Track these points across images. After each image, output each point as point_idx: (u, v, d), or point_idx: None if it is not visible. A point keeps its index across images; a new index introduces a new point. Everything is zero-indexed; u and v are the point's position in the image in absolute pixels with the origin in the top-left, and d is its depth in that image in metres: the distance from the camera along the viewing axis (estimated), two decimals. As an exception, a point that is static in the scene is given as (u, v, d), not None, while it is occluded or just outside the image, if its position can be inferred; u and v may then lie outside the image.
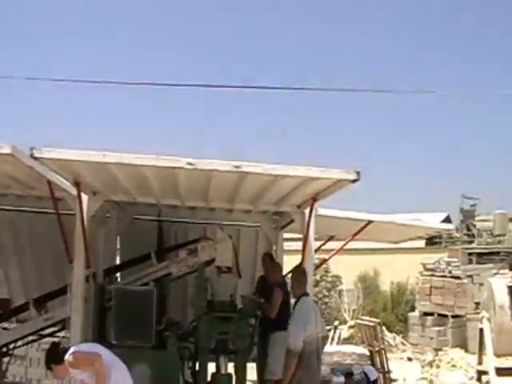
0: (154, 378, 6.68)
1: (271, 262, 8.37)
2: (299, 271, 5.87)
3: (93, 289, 7.17)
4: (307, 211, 7.10)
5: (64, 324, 7.73)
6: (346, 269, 18.84)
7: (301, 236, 11.05)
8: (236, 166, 4.93)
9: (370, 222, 7.79)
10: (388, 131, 47.12)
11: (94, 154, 4.84)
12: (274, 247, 9.36)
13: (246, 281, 8.85)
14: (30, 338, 8.17)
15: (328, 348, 10.34)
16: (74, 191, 6.57)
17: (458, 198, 27.37)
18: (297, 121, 48.30)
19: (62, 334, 8.91)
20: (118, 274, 8.47)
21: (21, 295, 8.85)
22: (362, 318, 12.10)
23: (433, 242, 23.48)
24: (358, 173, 5.18)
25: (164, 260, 7.78)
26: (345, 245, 7.93)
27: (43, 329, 7.79)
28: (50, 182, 6.06)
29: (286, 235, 9.82)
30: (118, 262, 8.86)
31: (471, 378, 11.40)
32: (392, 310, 18.41)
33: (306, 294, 5.59)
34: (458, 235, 25.15)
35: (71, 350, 4.88)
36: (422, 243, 20.72)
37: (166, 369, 6.86)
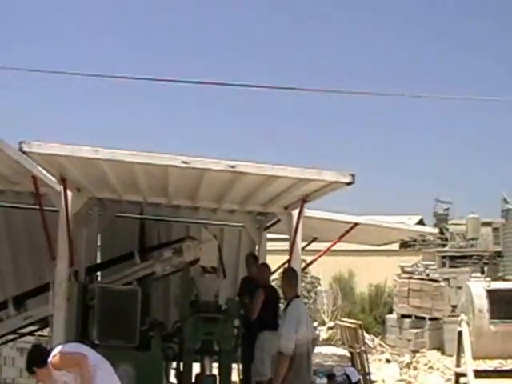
0: (137, 379, 6.68)
1: (255, 262, 8.44)
2: (289, 273, 5.92)
3: (75, 287, 7.12)
4: (294, 213, 7.20)
5: (43, 323, 7.71)
6: (321, 270, 19.02)
7: (284, 236, 11.22)
8: (231, 166, 4.96)
9: (356, 224, 7.90)
10: (358, 133, 47.50)
11: (86, 149, 4.83)
12: (257, 247, 9.45)
13: (229, 281, 8.87)
14: (8, 337, 8.13)
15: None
16: (58, 187, 6.55)
17: (431, 202, 27.92)
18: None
19: (39, 332, 8.93)
20: (98, 273, 8.46)
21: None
22: (343, 319, 12.23)
23: (407, 244, 23.83)
24: (353, 176, 5.25)
25: (147, 259, 7.77)
26: (331, 246, 8.03)
27: (21, 328, 7.74)
28: (35, 178, 6.01)
29: (268, 235, 9.91)
30: (98, 260, 8.82)
31: (448, 380, 11.62)
32: (370, 312, 18.62)
33: (297, 296, 5.64)
34: (431, 238, 25.55)
35: (55, 350, 4.81)
36: (396, 246, 21.02)
37: (150, 369, 6.87)
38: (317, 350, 13.01)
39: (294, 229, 6.94)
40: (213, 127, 48.76)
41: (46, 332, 8.95)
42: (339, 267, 20.85)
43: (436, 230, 13.97)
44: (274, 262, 10.35)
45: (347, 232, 7.94)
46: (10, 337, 8.17)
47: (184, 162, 4.86)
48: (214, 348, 7.36)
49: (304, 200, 6.49)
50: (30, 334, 8.57)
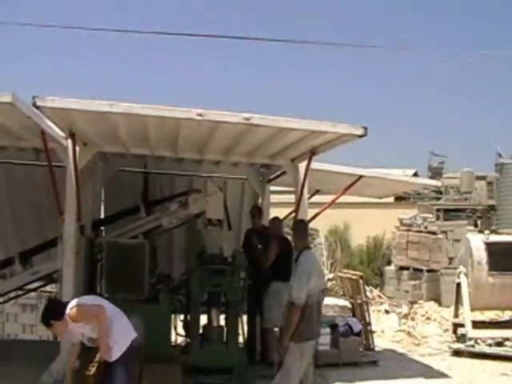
0: (146, 331, 6.89)
1: (260, 214, 8.65)
2: (300, 225, 6.07)
3: (83, 242, 7.29)
4: (301, 165, 7.37)
5: (47, 279, 7.90)
6: (315, 223, 19.22)
7: (287, 189, 11.41)
8: (246, 118, 5.06)
9: (361, 176, 8.05)
10: (353, 85, 47.27)
11: (102, 103, 4.91)
12: (260, 200, 9.65)
13: (233, 234, 9.12)
14: (11, 294, 8.33)
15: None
16: (64, 142, 6.65)
17: (425, 156, 28.08)
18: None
19: (42, 288, 9.15)
20: (102, 228, 8.63)
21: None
22: (344, 271, 12.51)
23: (402, 197, 24.13)
24: (365, 128, 5.37)
25: (151, 212, 7.97)
26: (337, 198, 8.21)
27: (28, 283, 7.93)
28: (43, 133, 6.10)
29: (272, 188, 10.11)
30: (102, 214, 8.98)
31: (446, 331, 11.93)
32: (368, 264, 18.92)
33: (308, 248, 5.81)
34: (426, 192, 25.83)
35: (72, 303, 4.90)
36: (391, 199, 21.30)
37: (158, 322, 7.09)
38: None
39: (302, 181, 7.09)
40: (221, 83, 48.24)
41: (48, 288, 9.22)
42: (334, 220, 21.09)
43: (440, 183, 14.16)
44: (277, 214, 10.58)
45: (352, 184, 8.11)
46: (13, 294, 8.38)
47: (199, 115, 4.95)
48: (221, 300, 7.62)
49: (312, 152, 6.63)
50: (34, 290, 8.79)
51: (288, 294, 5.59)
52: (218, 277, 7.30)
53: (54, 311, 4.90)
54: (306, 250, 5.68)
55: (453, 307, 11.76)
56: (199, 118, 4.97)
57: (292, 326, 5.41)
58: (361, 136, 5.42)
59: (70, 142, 6.50)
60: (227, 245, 8.22)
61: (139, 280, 7.12)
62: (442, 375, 8.49)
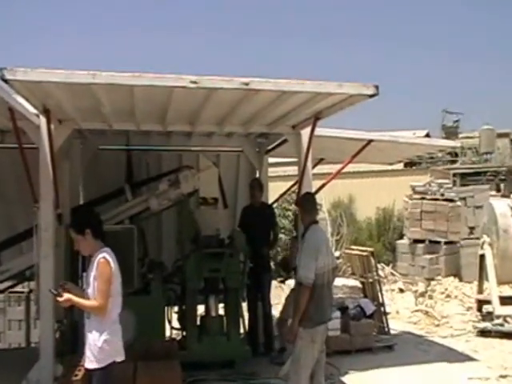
0: (137, 326, 6.93)
1: (260, 189, 8.66)
2: (306, 198, 6.06)
3: (62, 232, 7.13)
4: (304, 132, 7.35)
5: (19, 277, 7.83)
6: (318, 196, 19.23)
7: (287, 160, 11.38)
8: (244, 83, 5.02)
9: (370, 141, 8.04)
10: (357, 41, 47.13)
11: (82, 74, 4.81)
12: (258, 173, 9.64)
13: (229, 212, 9.14)
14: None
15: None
16: (36, 120, 6.55)
17: (438, 114, 27.97)
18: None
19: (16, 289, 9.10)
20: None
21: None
22: (352, 247, 12.53)
23: (412, 163, 24.11)
24: (376, 87, 5.33)
25: (138, 194, 7.95)
26: (344, 167, 8.20)
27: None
28: (11, 110, 6.01)
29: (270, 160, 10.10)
30: (81, 200, 8.94)
31: (469, 309, 11.96)
32: (378, 239, 19.00)
33: (315, 222, 5.81)
34: (439, 155, 25.67)
35: (107, 254, 4.78)
36: (400, 165, 21.39)
37: (151, 315, 7.15)
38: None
39: (306, 149, 7.10)
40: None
41: (19, 288, 9.20)
42: (338, 192, 21.17)
43: (458, 144, 14.09)
44: (279, 189, 10.62)
45: (360, 150, 8.09)
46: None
47: (193, 82, 4.89)
48: (220, 286, 7.67)
49: (317, 117, 6.61)
50: (2, 291, 8.74)
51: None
52: (215, 261, 7.35)
53: (97, 223, 4.84)
54: (313, 224, 5.69)
55: (476, 282, 11.77)
56: (193, 85, 4.89)
57: (301, 310, 5.44)
58: (372, 96, 5.39)
59: (43, 119, 6.39)
60: (224, 225, 8.26)
61: (127, 270, 6.94)
62: (468, 358, 8.53)
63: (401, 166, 22.09)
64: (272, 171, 11.53)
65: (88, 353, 4.62)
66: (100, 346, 4.58)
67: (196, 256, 7.30)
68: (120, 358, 4.74)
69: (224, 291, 7.64)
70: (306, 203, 5.91)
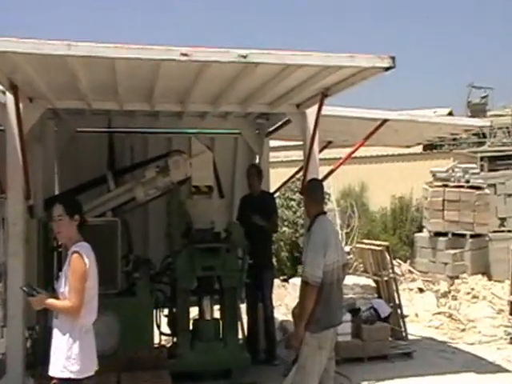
0: (122, 331, 6.99)
1: (259, 176, 8.72)
2: (313, 185, 6.06)
3: (34, 226, 7.23)
4: (309, 111, 7.39)
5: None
6: (326, 184, 19.23)
7: (290, 144, 11.44)
8: (242, 56, 5.04)
9: (385, 121, 8.08)
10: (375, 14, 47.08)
11: (56, 45, 4.81)
12: (258, 159, 9.69)
13: (225, 203, 9.26)
14: None
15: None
16: (2, 98, 6.54)
17: (463, 90, 27.84)
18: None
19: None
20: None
21: None
22: (364, 241, 12.58)
23: (432, 146, 24.06)
24: (392, 59, 5.35)
25: (122, 183, 8.01)
26: (355, 150, 8.25)
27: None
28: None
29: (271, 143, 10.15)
30: (56, 189, 8.98)
31: (500, 312, 11.90)
32: (394, 232, 19.09)
33: (323, 213, 5.82)
34: (464, 136, 25.67)
35: (83, 248, 4.81)
36: (419, 148, 21.42)
37: (137, 319, 7.19)
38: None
39: (312, 131, 7.14)
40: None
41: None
42: (348, 179, 21.22)
43: (488, 123, 14.00)
44: (280, 175, 10.67)
45: (374, 132, 8.15)
46: None
47: (183, 55, 4.91)
48: (215, 286, 7.73)
49: (325, 94, 6.65)
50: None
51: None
52: (209, 257, 7.40)
53: (81, 212, 4.88)
54: (320, 215, 5.72)
55: (507, 281, 11.71)
56: (184, 58, 4.91)
57: (307, 312, 5.45)
58: (388, 69, 5.41)
59: (10, 97, 6.38)
60: (219, 217, 8.30)
61: (110, 268, 7.13)
62: (500, 369, 8.46)
63: (420, 149, 22.12)
64: (273, 156, 11.60)
65: (58, 361, 4.62)
66: (72, 356, 4.58)
67: (188, 252, 7.35)
68: (92, 371, 4.74)
69: (220, 291, 7.70)
70: (313, 191, 5.93)
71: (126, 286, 7.45)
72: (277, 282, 11.34)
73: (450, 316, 12.01)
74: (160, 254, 8.28)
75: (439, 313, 12.34)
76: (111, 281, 7.11)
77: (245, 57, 5.09)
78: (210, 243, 7.46)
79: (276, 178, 10.37)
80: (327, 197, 19.35)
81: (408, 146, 11.77)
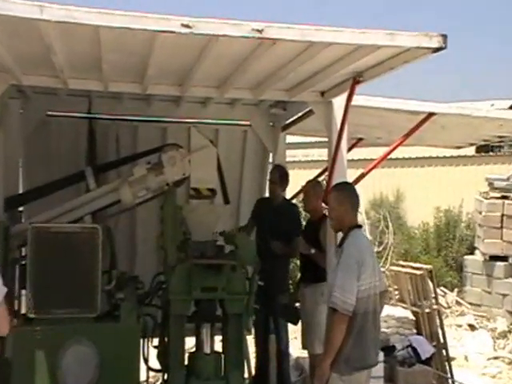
0: (100, 365, 7.05)
1: (285, 179, 9.01)
2: (343, 191, 6.14)
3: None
4: (337, 101, 7.52)
5: None
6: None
7: (311, 140, 11.51)
8: (257, 30, 5.07)
9: (430, 114, 8.15)
10: None
11: (25, 6, 4.82)
12: (272, 157, 9.88)
13: (231, 209, 9.33)
14: None
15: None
16: None
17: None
18: None
19: None
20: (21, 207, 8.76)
21: None
22: (400, 263, 12.68)
23: (488, 147, 23.95)
24: (444, 37, 5.38)
25: (104, 182, 8.11)
26: (392, 151, 8.26)
27: None
28: None
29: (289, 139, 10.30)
30: (21, 186, 9.09)
31: None
32: (438, 253, 19.09)
33: (358, 226, 5.93)
34: (526, 134, 25.45)
35: None
36: (471, 149, 21.38)
37: (120, 350, 7.19)
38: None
39: (340, 125, 7.23)
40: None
41: None
42: (379, 186, 21.21)
43: None
44: (299, 178, 10.77)
45: (416, 128, 8.17)
46: None
47: (185, 26, 4.93)
48: (217, 312, 7.74)
49: (357, 80, 6.72)
50: None
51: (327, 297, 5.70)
52: (210, 276, 7.39)
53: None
54: (354, 229, 5.81)
55: None
56: (185, 30, 4.93)
57: (334, 347, 5.51)
58: (437, 50, 5.43)
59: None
60: (223, 227, 8.27)
61: (88, 287, 7.15)
62: None
63: (472, 150, 22.06)
64: (290, 155, 11.71)
65: None
66: None
67: (184, 269, 7.35)
68: None
69: (223, 319, 7.71)
70: (344, 200, 6.02)
71: (106, 308, 7.46)
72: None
73: (511, 363, 11.99)
74: (150, 270, 8.42)
75: (496, 357, 12.31)
76: (88, 302, 7.13)
77: (260, 31, 5.11)
78: (212, 259, 7.52)
79: (292, 182, 10.47)
80: (356, 207, 19.44)
81: (458, 147, 11.80)
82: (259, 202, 9.19)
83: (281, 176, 9.00)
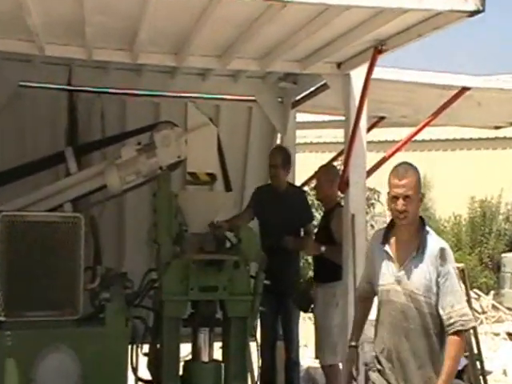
0: (84, 374, 7.04)
1: (287, 162, 8.99)
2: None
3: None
4: (355, 74, 7.56)
5: None
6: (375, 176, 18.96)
7: (325, 119, 11.53)
8: None
9: (464, 89, 8.17)
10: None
11: None
12: (280, 138, 9.95)
13: (234, 197, 9.22)
14: None
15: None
16: None
17: None
18: None
19: None
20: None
21: None
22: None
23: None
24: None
25: (87, 164, 8.14)
26: (418, 132, 8.26)
27: None
28: None
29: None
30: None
31: None
32: (472, 250, 19.08)
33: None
34: None
35: None
36: (510, 130, 21.35)
37: (106, 357, 7.20)
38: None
39: (359, 102, 7.25)
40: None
41: None
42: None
43: None
44: (309, 161, 10.78)
45: (448, 105, 8.20)
46: None
47: None
48: (216, 315, 7.77)
49: (378, 49, 6.73)
50: None
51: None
52: (210, 274, 7.40)
53: None
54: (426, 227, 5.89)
55: None
56: None
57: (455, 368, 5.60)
58: (473, 13, 5.40)
59: None
60: (225, 217, 8.39)
61: (68, 285, 7.17)
62: None
63: (510, 132, 22.08)
64: (300, 136, 11.71)
65: None
66: None
67: (180, 265, 7.39)
68: None
69: (223, 322, 7.76)
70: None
71: (90, 310, 7.46)
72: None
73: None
74: (140, 266, 8.43)
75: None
76: (69, 303, 7.13)
77: None
78: (212, 254, 7.56)
79: (303, 166, 10.48)
80: (375, 196, 19.49)
81: (497, 128, 11.74)
82: (259, 190, 9.19)
83: (284, 159, 8.97)
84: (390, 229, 5.96)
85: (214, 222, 7.91)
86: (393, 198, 5.77)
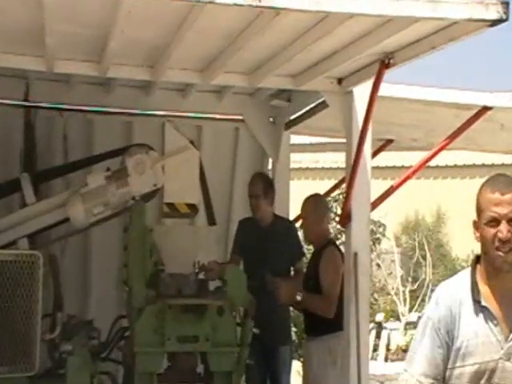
0: None
1: (269, 190, 8.97)
2: None
3: None
4: (359, 91, 7.57)
5: None
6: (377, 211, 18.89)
7: (324, 141, 11.57)
8: None
9: (485, 109, 8.18)
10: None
11: None
12: (271, 163, 9.97)
13: (218, 232, 9.43)
14: None
15: (372, 367, 10.92)
16: None
17: None
18: None
19: None
20: None
21: None
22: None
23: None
24: (505, 5, 5.31)
25: (47, 193, 8.17)
26: (433, 156, 8.24)
27: None
28: None
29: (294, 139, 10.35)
30: None
31: None
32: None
33: None
34: None
35: None
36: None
37: None
38: (386, 368, 13.59)
39: (363, 122, 7.27)
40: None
41: None
42: (414, 203, 21.19)
43: None
44: (305, 188, 10.80)
45: (466, 126, 8.19)
46: None
47: None
48: (197, 370, 7.80)
49: (385, 63, 6.74)
50: None
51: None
52: (190, 322, 7.42)
53: None
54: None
55: None
56: None
57: None
58: (495, 22, 5.39)
59: None
60: (208, 255, 8.35)
61: (23, 336, 7.20)
62: None
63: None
64: (295, 160, 11.73)
65: None
66: None
67: (155, 311, 7.38)
68: None
69: (205, 378, 7.76)
70: None
71: (48, 365, 7.50)
72: (296, 364, 11.46)
73: None
74: (108, 313, 8.48)
75: None
76: (23, 356, 7.14)
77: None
78: (192, 298, 7.57)
79: (298, 195, 10.47)
80: (381, 230, 19.54)
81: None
82: (242, 224, 9.19)
83: (265, 187, 8.96)
84: (476, 273, 4.42)
85: (205, 264, 7.90)
86: (490, 223, 4.28)
